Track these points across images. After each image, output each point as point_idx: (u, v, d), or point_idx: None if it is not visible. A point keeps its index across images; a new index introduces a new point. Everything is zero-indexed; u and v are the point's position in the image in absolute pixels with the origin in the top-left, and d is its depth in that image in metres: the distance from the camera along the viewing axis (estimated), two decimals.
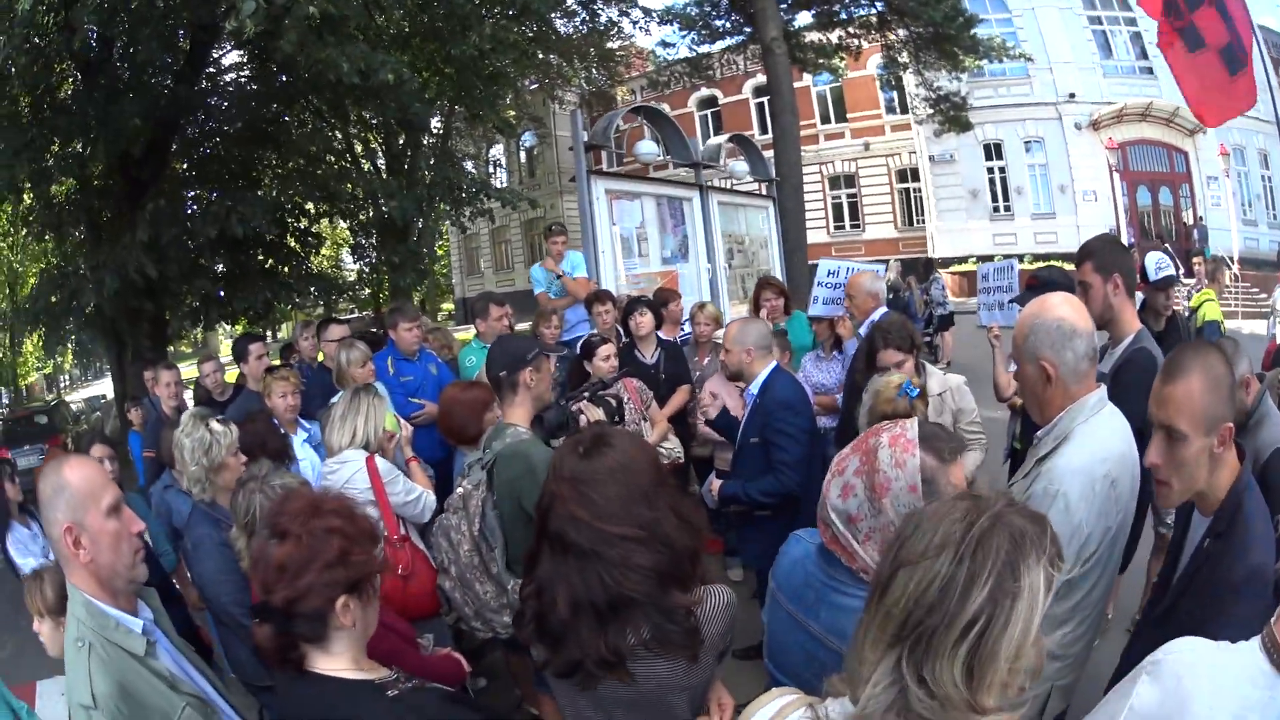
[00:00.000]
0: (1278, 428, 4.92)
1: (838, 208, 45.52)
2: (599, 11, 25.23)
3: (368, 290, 26.72)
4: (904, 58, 26.83)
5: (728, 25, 26.80)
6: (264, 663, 2.75)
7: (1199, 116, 8.06)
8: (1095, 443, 3.33)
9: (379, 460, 5.53)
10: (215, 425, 5.00)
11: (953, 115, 28.94)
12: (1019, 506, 1.77)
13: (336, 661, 2.65)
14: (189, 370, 14.11)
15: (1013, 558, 1.63)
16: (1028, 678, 1.69)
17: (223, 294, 17.88)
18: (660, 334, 8.86)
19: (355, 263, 27.52)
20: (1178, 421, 2.87)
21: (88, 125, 15.01)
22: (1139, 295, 7.88)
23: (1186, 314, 13.74)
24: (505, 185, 40.77)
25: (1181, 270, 25.96)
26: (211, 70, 18.61)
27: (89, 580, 3.00)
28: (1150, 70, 38.00)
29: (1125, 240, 33.93)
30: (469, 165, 33.74)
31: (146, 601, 3.19)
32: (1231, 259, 30.82)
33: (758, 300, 9.61)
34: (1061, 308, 3.43)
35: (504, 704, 6.28)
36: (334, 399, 6.32)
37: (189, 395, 10.55)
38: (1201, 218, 37.45)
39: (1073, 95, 38.37)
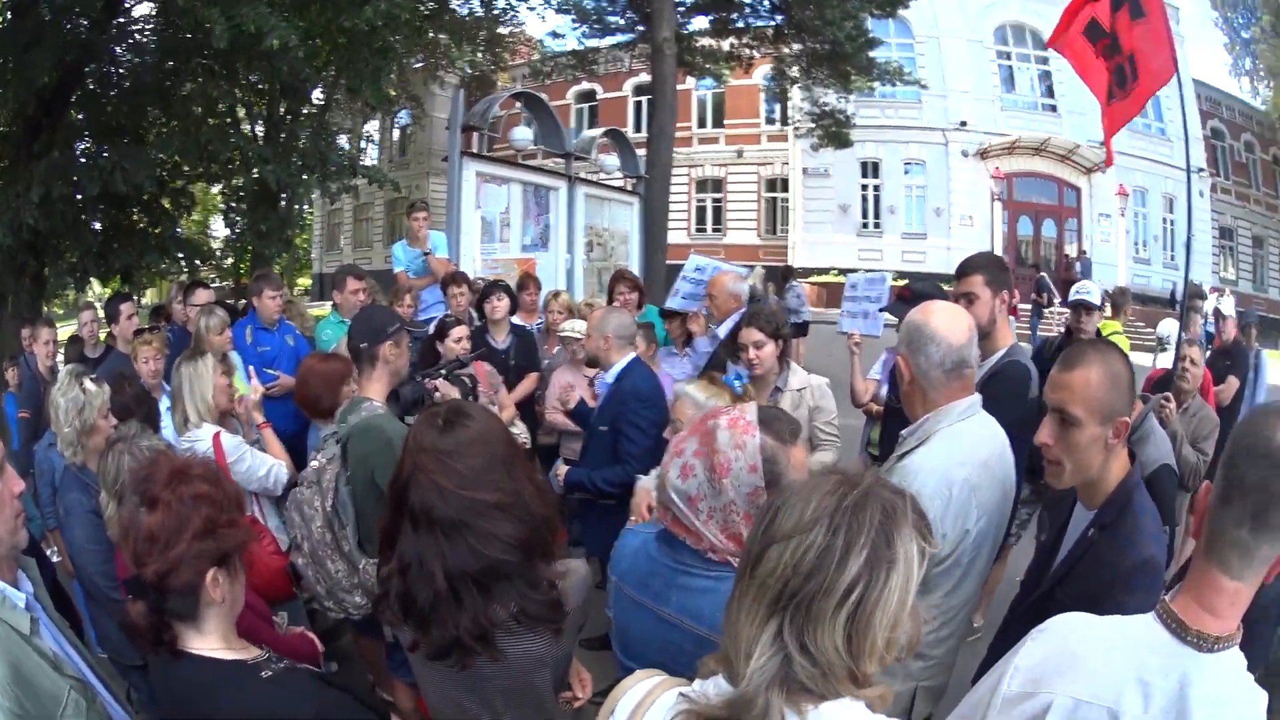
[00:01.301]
0: (1162, 445, 5.37)
1: (702, 210, 45.86)
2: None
3: (230, 260, 26.34)
4: (794, 72, 26.84)
5: (621, 22, 26.72)
6: (137, 645, 2.73)
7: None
8: (956, 446, 3.42)
9: (225, 437, 5.49)
10: (89, 385, 4.96)
11: (834, 131, 29.01)
12: (886, 482, 1.81)
13: (209, 640, 2.62)
14: (64, 332, 13.89)
15: (886, 527, 1.68)
16: (905, 649, 1.75)
17: (98, 252, 17.10)
18: (514, 320, 9.00)
19: (225, 228, 26.97)
20: (1072, 406, 3.01)
21: (4, 68, 14.70)
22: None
23: None
24: (375, 163, 40.55)
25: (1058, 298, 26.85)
26: (121, 20, 17.95)
27: None
28: (1054, 109, 39.19)
29: None
30: (344, 140, 33.42)
31: (26, 572, 3.03)
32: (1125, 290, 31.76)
33: (611, 293, 9.68)
34: (937, 315, 3.52)
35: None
36: None
37: (60, 356, 10.41)
38: (1085, 251, 38.33)
39: (964, 123, 39.13)
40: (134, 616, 2.57)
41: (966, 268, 5.12)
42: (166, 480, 2.62)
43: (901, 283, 7.36)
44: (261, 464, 5.59)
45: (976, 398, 3.57)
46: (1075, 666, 2.15)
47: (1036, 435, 3.13)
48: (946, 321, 3.48)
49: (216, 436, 5.44)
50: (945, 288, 6.01)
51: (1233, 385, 9.46)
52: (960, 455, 3.38)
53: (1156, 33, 6.78)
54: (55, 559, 6.07)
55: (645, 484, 5.06)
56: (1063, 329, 8.42)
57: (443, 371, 5.95)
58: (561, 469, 6.34)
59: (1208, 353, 10.02)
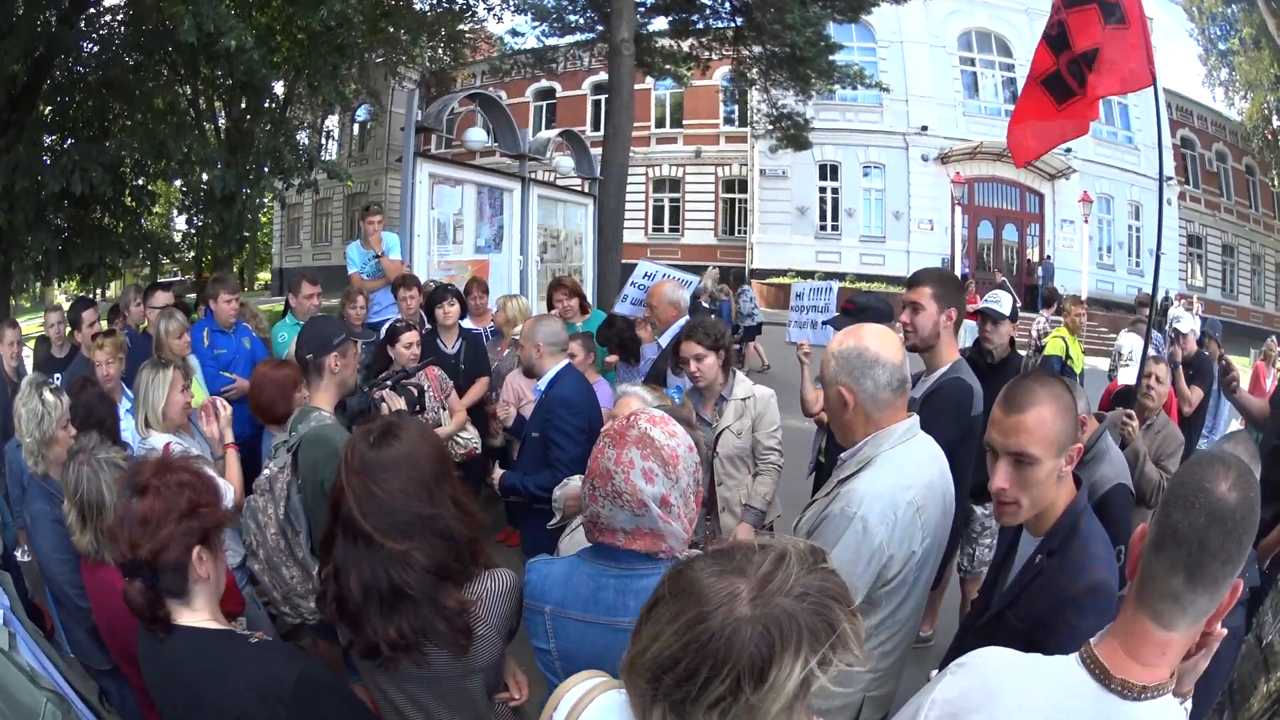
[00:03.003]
0: (1117, 464, 5.30)
1: (659, 210, 45.72)
2: None
3: (192, 253, 26.16)
4: (753, 74, 26.71)
5: (581, 21, 26.61)
6: (137, 618, 2.92)
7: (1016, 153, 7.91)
8: (899, 469, 3.39)
9: (174, 450, 5.29)
10: (48, 396, 5.07)
11: (792, 134, 29.05)
12: (798, 579, 1.66)
13: (199, 615, 2.88)
14: (31, 325, 13.79)
15: (763, 652, 1.57)
16: None
17: (62, 249, 17.28)
18: (465, 323, 9.12)
19: (183, 224, 26.73)
20: (1030, 447, 2.98)
21: None
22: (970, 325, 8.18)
23: (1034, 351, 14.13)
24: (334, 158, 40.28)
25: (1018, 304, 26.30)
26: (92, 11, 18.06)
27: None
28: None
29: (959, 269, 35.30)
30: (304, 134, 33.19)
31: (3, 588, 3.19)
32: (1078, 298, 32.00)
33: (550, 301, 9.82)
34: (871, 338, 3.46)
35: None
36: None
37: (28, 354, 10.29)
38: (1049, 256, 38.70)
39: (925, 128, 39.28)
40: (132, 595, 2.79)
41: (918, 279, 5.18)
42: (154, 470, 2.89)
43: (856, 286, 7.32)
44: None
45: (914, 419, 3.59)
46: (992, 704, 2.17)
47: (992, 483, 3.11)
48: (882, 342, 3.48)
49: (166, 448, 5.39)
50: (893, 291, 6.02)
51: (1198, 395, 9.51)
52: (905, 479, 3.39)
53: (1134, 41, 6.53)
54: (25, 559, 6.18)
55: (576, 486, 5.18)
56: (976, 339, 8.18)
57: (389, 383, 6.11)
58: (497, 473, 6.42)
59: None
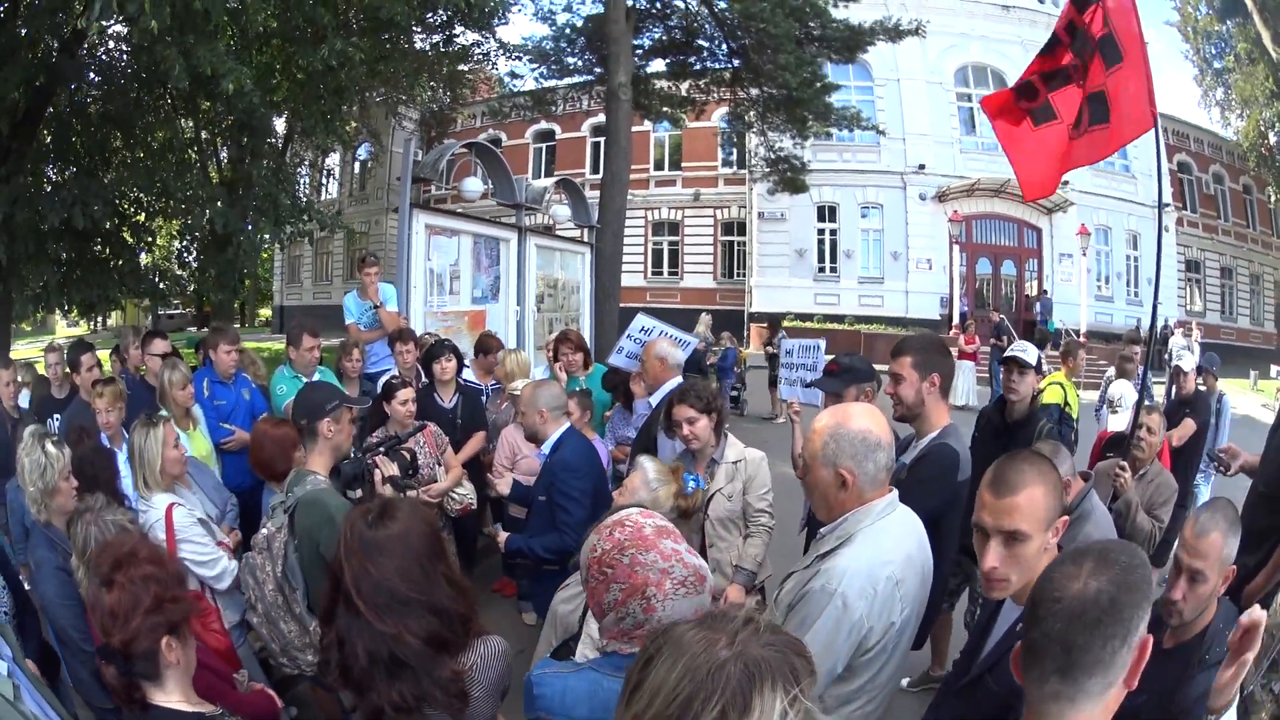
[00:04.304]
0: (1102, 524, 5.32)
1: (658, 254, 45.82)
2: (457, 37, 25.08)
3: (193, 287, 26.09)
4: (751, 116, 26.84)
5: (579, 64, 26.62)
6: (112, 699, 3.09)
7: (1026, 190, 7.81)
8: (879, 545, 3.40)
9: (178, 515, 5.54)
10: (50, 448, 5.07)
11: (789, 177, 29.04)
12: (765, 635, 1.83)
13: (171, 697, 3.04)
14: (30, 350, 13.75)
15: (745, 687, 1.70)
16: None
17: (62, 281, 17.23)
18: (470, 379, 9.24)
19: (184, 264, 26.68)
20: (1022, 525, 3.05)
21: None
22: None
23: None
24: (334, 197, 40.07)
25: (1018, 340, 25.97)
26: (95, 39, 18.26)
27: None
28: None
29: (958, 307, 35.63)
30: (304, 173, 33.00)
31: (5, 640, 3.28)
32: (1078, 332, 32.33)
33: (556, 353, 9.81)
34: (862, 419, 3.48)
35: None
36: None
37: (26, 393, 10.34)
38: (1046, 291, 38.74)
39: (922, 167, 39.48)
40: (108, 679, 2.96)
41: (899, 349, 5.19)
42: (119, 564, 3.07)
43: (853, 327, 7.26)
44: (207, 552, 5.64)
45: (894, 494, 3.59)
46: None
47: (984, 562, 3.16)
48: (875, 424, 3.50)
49: (170, 511, 5.54)
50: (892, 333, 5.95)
51: (1189, 427, 9.45)
52: (884, 554, 3.40)
53: (1136, 81, 6.42)
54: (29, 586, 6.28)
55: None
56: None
57: (383, 448, 6.14)
58: (501, 535, 6.51)
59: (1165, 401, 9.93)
